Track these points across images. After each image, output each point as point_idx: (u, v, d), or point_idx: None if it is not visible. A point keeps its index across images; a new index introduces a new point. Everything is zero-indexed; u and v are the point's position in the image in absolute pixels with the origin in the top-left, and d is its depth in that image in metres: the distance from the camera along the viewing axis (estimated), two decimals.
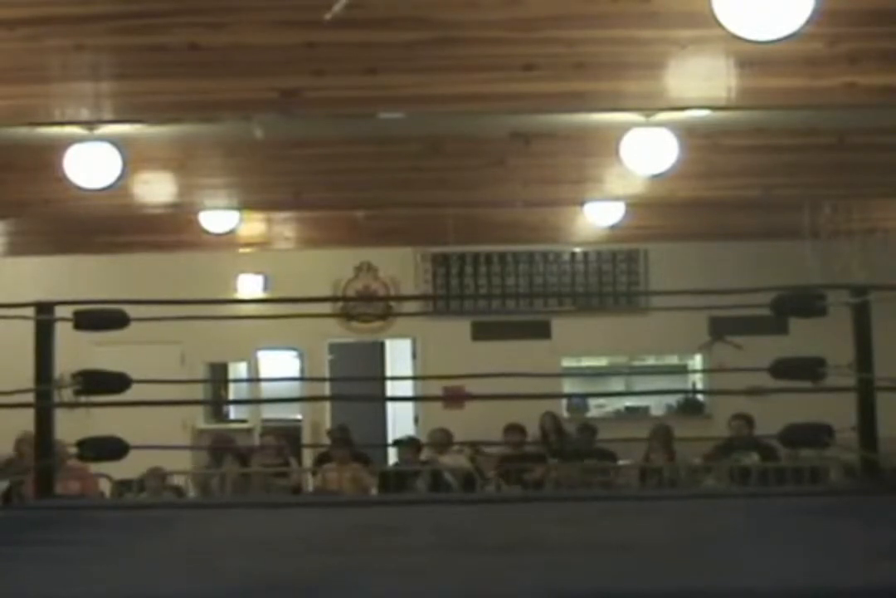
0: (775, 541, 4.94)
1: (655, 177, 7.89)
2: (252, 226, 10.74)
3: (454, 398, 9.99)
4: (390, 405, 13.73)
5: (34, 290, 9.22)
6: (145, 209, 8.75)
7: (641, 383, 12.83)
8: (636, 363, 13.45)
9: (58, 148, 7.49)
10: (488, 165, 8.37)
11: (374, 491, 9.43)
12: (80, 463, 7.74)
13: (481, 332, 12.92)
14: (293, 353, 13.40)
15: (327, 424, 12.84)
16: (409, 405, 13.16)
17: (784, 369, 6.41)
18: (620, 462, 10.13)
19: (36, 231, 10.68)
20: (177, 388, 8.92)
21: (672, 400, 13.13)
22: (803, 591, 4.04)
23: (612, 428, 11.61)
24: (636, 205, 9.42)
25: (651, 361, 13.55)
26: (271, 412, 13.41)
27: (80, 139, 7.41)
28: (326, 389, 11.97)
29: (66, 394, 7.19)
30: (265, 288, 12.83)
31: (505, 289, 13.14)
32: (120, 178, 7.58)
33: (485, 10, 5.36)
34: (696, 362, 13.28)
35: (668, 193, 8.47)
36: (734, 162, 8.23)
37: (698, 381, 13.20)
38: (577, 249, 13.04)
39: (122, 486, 8.94)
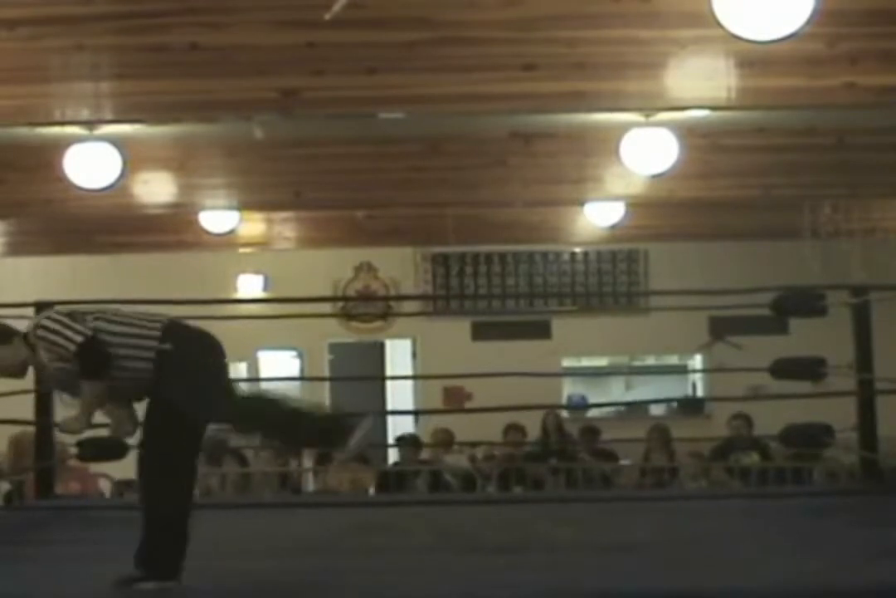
0: (775, 541, 4.93)
1: (655, 177, 7.88)
2: (252, 226, 10.73)
3: (456, 410, 9.98)
4: (390, 405, 13.72)
5: (34, 290, 9.19)
6: (145, 209, 8.74)
7: (641, 383, 12.82)
8: (636, 363, 13.44)
9: (58, 148, 7.49)
10: (488, 165, 8.36)
11: (371, 491, 9.41)
12: (80, 463, 7.73)
13: (481, 332, 12.90)
14: (293, 353, 13.39)
15: None
16: (410, 405, 13.15)
17: (784, 368, 6.43)
18: (620, 462, 10.12)
19: (36, 231, 10.66)
20: None
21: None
22: (803, 591, 4.03)
23: (612, 428, 11.59)
24: (636, 205, 9.42)
25: (651, 361, 13.54)
26: None
27: (80, 139, 7.41)
28: (326, 389, 11.94)
29: None
30: (265, 288, 12.81)
31: (505, 289, 13.11)
32: (120, 178, 7.57)
33: (485, 10, 5.36)
34: (696, 362, 13.27)
35: (668, 193, 8.46)
36: (734, 162, 8.22)
37: (698, 381, 13.19)
38: (577, 249, 13.02)
39: (122, 486, 8.93)
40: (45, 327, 4.04)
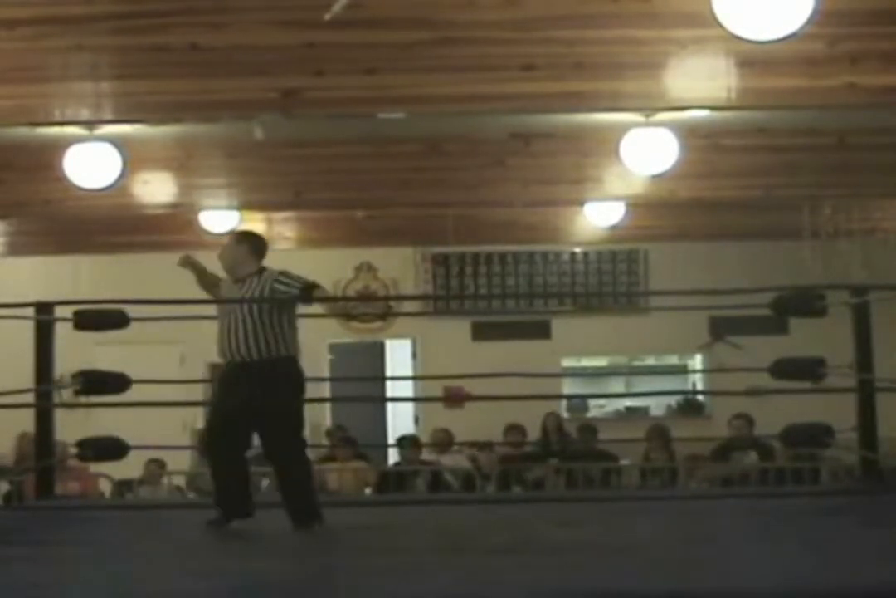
0: (775, 541, 4.94)
1: (655, 177, 7.88)
2: (252, 226, 10.70)
3: (454, 399, 9.99)
4: (390, 406, 13.71)
5: (34, 290, 9.20)
6: (145, 209, 8.74)
7: (641, 384, 12.80)
8: (636, 363, 13.43)
9: (58, 148, 7.49)
10: (488, 165, 8.36)
11: (369, 490, 9.41)
12: (80, 463, 7.74)
13: (481, 332, 12.90)
14: None
15: (328, 424, 12.83)
16: (410, 406, 13.14)
17: (784, 369, 6.43)
18: (620, 462, 10.10)
19: (36, 231, 10.66)
20: (177, 388, 8.90)
21: (672, 400, 13.11)
22: (804, 591, 4.03)
23: (612, 428, 11.58)
24: (636, 205, 9.41)
25: (651, 361, 13.52)
26: None
27: (80, 139, 7.41)
28: (326, 389, 11.94)
29: (67, 394, 7.20)
30: None
31: (505, 289, 13.11)
32: (120, 178, 7.57)
33: (484, 11, 5.36)
34: (696, 362, 13.26)
35: (668, 193, 8.46)
36: (735, 162, 8.22)
37: (698, 381, 13.18)
38: (577, 250, 13.02)
39: (122, 486, 8.93)
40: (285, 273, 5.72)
